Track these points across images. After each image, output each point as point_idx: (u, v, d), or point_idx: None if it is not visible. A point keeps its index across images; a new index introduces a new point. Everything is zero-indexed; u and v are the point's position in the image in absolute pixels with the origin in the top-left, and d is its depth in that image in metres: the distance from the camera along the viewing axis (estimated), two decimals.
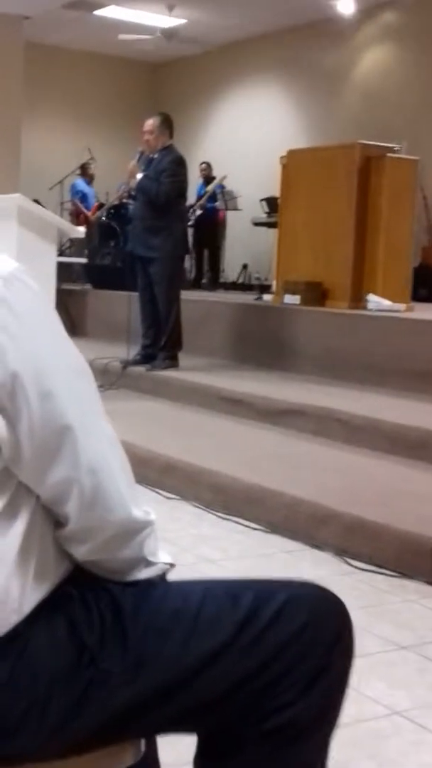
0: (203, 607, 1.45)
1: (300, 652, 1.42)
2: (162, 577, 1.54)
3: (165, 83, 17.53)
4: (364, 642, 2.94)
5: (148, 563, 1.51)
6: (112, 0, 13.57)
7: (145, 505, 1.49)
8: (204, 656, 1.41)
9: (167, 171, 7.58)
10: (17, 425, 1.34)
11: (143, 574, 1.50)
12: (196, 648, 1.42)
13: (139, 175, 7.63)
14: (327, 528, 4.27)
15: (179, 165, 7.71)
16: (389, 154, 8.19)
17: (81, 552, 1.46)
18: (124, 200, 11.05)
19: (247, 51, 15.58)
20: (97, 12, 14.20)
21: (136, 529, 1.47)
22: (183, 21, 14.40)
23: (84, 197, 13.90)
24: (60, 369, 1.37)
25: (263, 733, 1.42)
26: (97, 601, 1.45)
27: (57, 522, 1.43)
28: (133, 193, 7.88)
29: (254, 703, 1.41)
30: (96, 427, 1.41)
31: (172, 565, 1.55)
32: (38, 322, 1.36)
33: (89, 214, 13.56)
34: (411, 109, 12.90)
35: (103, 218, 12.69)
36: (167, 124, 7.75)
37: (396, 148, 8.32)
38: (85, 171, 14.14)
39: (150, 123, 7.70)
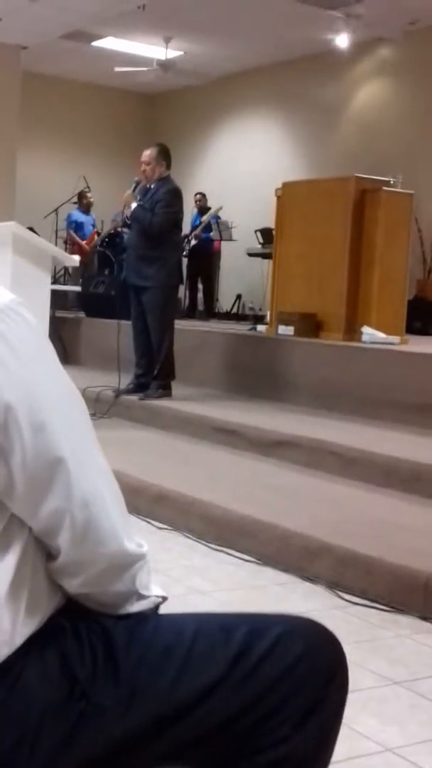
0: (196, 642, 1.44)
1: (295, 685, 1.41)
2: (154, 610, 1.52)
3: (161, 114, 17.61)
4: (356, 677, 2.91)
5: (140, 596, 1.50)
6: (109, 32, 13.65)
7: (138, 536, 1.48)
8: (197, 691, 1.40)
9: (162, 201, 7.60)
10: (10, 458, 1.33)
11: (135, 607, 1.49)
12: (190, 683, 1.40)
13: (134, 205, 7.64)
14: (319, 561, 4.24)
15: (175, 196, 7.73)
16: (385, 188, 8.22)
17: (73, 585, 1.44)
18: (120, 229, 11.07)
19: (244, 83, 15.67)
20: (95, 43, 14.30)
21: (128, 563, 1.46)
22: (180, 53, 14.50)
23: (79, 227, 13.93)
24: (54, 401, 1.36)
25: (258, 766, 1.40)
26: (89, 634, 1.44)
27: (49, 554, 1.42)
28: (128, 221, 7.89)
29: (249, 737, 1.40)
30: (89, 459, 1.40)
31: (164, 598, 1.54)
32: (33, 354, 1.35)
33: (84, 243, 13.60)
34: (407, 142, 12.96)
35: (99, 247, 12.72)
36: (164, 155, 7.77)
37: (391, 182, 8.35)
38: (81, 200, 14.18)
39: (147, 153, 7.73)
